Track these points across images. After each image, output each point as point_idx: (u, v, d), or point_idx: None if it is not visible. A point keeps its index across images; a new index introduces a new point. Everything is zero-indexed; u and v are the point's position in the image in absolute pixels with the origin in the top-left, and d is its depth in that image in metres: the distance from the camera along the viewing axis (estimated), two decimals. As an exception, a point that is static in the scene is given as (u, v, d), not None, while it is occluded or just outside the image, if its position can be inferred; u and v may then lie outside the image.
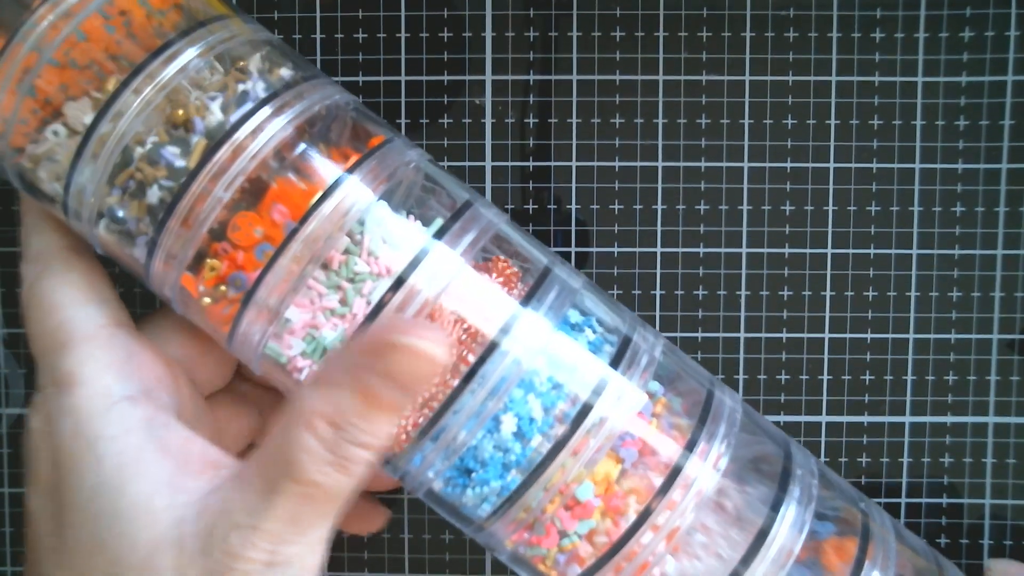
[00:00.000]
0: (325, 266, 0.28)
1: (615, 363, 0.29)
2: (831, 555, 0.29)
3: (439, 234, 0.28)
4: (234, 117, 0.28)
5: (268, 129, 0.28)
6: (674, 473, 0.28)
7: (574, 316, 0.30)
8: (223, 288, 0.28)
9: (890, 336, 0.40)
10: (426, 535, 0.41)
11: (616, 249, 0.40)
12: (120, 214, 0.28)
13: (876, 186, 0.40)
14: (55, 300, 0.29)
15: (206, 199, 0.27)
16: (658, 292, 0.40)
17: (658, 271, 0.40)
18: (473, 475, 0.28)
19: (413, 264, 0.28)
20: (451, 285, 0.28)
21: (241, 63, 0.29)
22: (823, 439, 0.40)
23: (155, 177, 0.28)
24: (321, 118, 0.29)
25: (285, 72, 0.30)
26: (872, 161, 0.40)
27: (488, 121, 0.40)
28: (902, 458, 0.40)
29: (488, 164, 0.40)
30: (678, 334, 0.40)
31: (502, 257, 0.30)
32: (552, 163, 0.40)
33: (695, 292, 0.40)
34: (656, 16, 0.39)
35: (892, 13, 0.39)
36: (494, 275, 0.30)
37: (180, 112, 0.28)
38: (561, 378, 0.29)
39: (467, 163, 0.40)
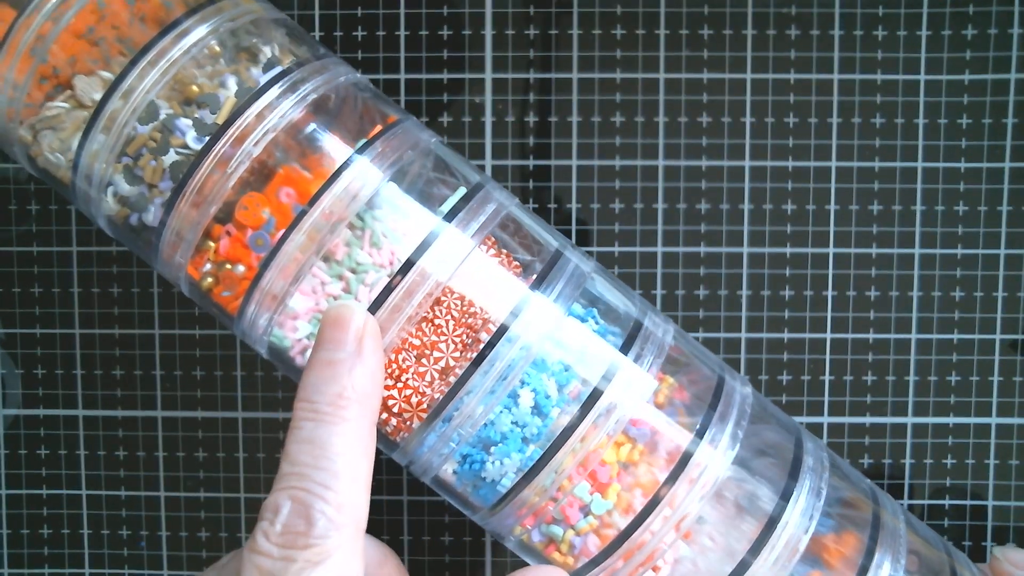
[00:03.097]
0: (327, 259, 0.28)
1: (625, 348, 0.29)
2: (831, 550, 0.29)
3: (451, 215, 0.28)
4: (258, 84, 0.28)
5: (280, 107, 0.28)
6: (685, 457, 0.28)
7: (576, 308, 0.30)
8: (228, 267, 0.28)
9: (892, 336, 0.40)
10: (426, 537, 0.41)
11: (617, 248, 0.40)
12: (139, 173, 0.28)
13: (878, 185, 0.39)
14: None
15: (230, 159, 0.27)
16: (659, 292, 0.40)
17: (659, 271, 0.40)
18: (493, 448, 0.28)
19: (423, 246, 0.27)
20: (462, 267, 0.28)
21: (253, 41, 0.29)
22: (825, 440, 0.40)
23: (171, 144, 0.28)
24: (333, 98, 0.29)
25: (298, 51, 0.30)
26: (874, 160, 0.39)
27: (488, 119, 0.40)
28: (904, 460, 0.40)
29: (488, 163, 0.40)
30: (679, 334, 0.40)
31: (504, 251, 0.30)
32: (552, 162, 0.40)
33: (696, 292, 0.40)
34: (657, 13, 0.39)
35: (895, 11, 0.39)
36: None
37: (195, 88, 0.28)
38: (571, 361, 0.28)
39: (467, 162, 0.40)
